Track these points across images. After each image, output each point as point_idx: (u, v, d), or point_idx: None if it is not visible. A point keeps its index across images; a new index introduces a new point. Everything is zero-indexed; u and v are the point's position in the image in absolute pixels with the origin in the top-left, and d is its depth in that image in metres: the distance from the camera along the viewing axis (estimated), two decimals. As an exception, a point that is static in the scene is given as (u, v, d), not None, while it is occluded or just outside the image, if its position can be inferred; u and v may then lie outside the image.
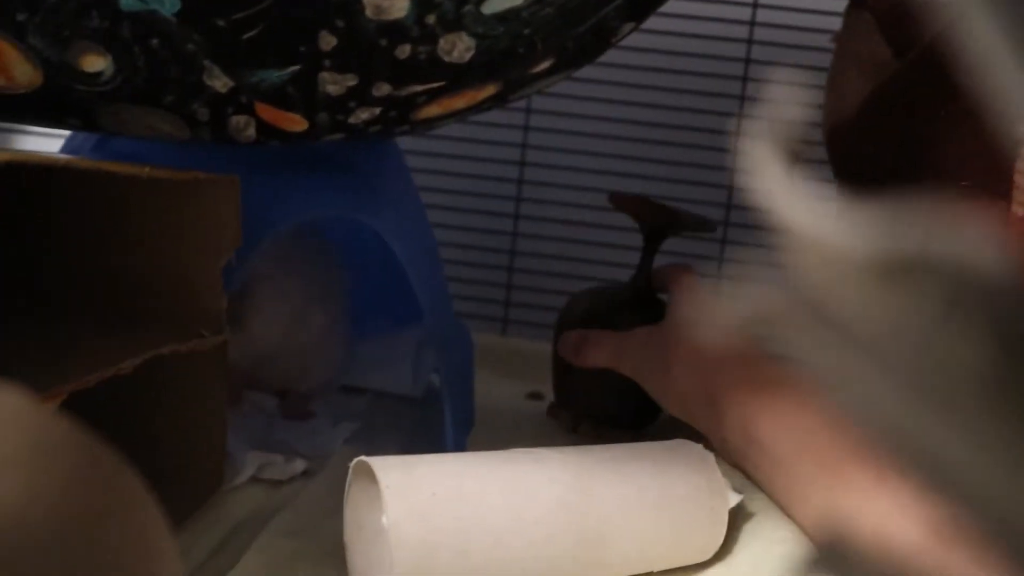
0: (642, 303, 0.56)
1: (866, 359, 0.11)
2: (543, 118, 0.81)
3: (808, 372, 0.12)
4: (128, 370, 0.33)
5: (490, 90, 0.40)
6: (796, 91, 0.13)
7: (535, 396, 0.64)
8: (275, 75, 0.34)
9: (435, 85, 0.36)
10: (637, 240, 0.57)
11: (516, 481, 0.34)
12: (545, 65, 0.39)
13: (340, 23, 0.31)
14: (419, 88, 0.36)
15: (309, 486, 0.44)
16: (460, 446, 0.49)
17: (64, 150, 0.52)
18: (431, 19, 0.31)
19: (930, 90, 0.46)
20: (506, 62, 0.37)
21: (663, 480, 0.37)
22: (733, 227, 0.81)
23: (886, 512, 0.34)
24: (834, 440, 0.39)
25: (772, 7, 0.80)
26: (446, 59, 0.34)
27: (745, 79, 0.80)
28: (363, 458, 0.34)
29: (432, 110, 0.40)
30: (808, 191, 0.12)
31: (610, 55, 0.51)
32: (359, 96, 0.36)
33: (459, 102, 0.40)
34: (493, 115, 0.76)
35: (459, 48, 0.34)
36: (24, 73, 0.35)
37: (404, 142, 0.61)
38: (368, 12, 0.31)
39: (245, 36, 0.32)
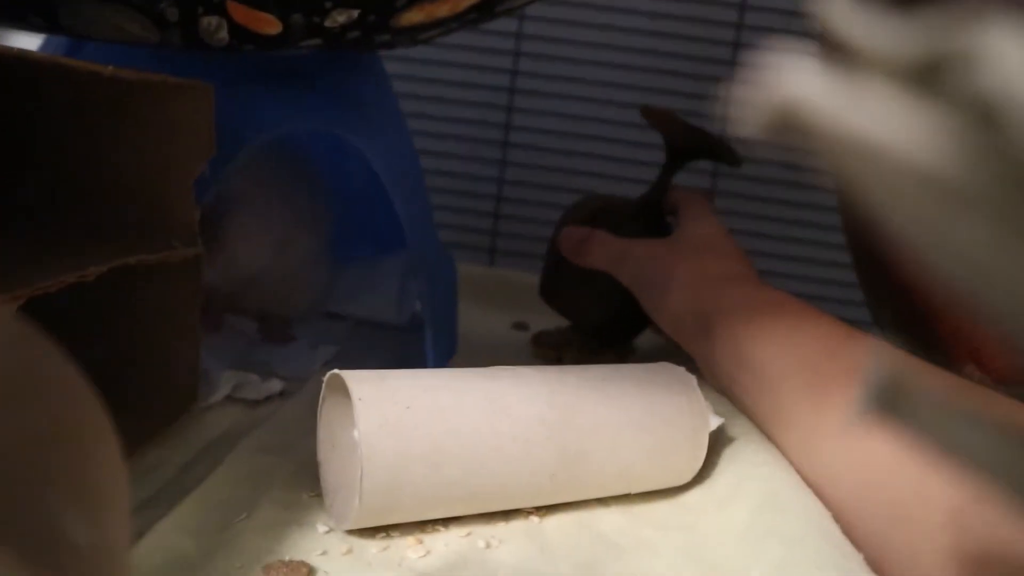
0: (650, 219, 0.55)
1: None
2: (534, 43, 0.79)
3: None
4: (91, 277, 0.32)
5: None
6: None
7: (520, 326, 0.64)
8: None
9: (414, -15, 0.35)
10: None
11: (494, 397, 0.34)
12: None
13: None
14: (397, -12, 0.35)
15: (285, 405, 0.44)
16: (442, 371, 0.49)
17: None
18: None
19: None
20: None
21: (645, 401, 0.36)
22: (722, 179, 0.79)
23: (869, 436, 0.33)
24: (824, 364, 0.38)
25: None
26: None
27: (742, 6, 0.77)
28: (336, 371, 0.33)
29: (414, 16, 0.38)
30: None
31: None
32: (334, -5, 0.34)
33: (442, 8, 0.38)
34: (482, 40, 0.74)
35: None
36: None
37: (391, 66, 0.59)
38: None
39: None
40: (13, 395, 0.13)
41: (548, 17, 0.77)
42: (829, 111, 0.10)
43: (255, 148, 0.42)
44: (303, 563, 0.30)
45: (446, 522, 0.34)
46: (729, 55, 0.77)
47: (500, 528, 0.34)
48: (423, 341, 0.49)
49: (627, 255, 0.50)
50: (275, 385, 0.46)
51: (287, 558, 0.30)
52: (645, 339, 0.59)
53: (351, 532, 0.32)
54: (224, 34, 0.37)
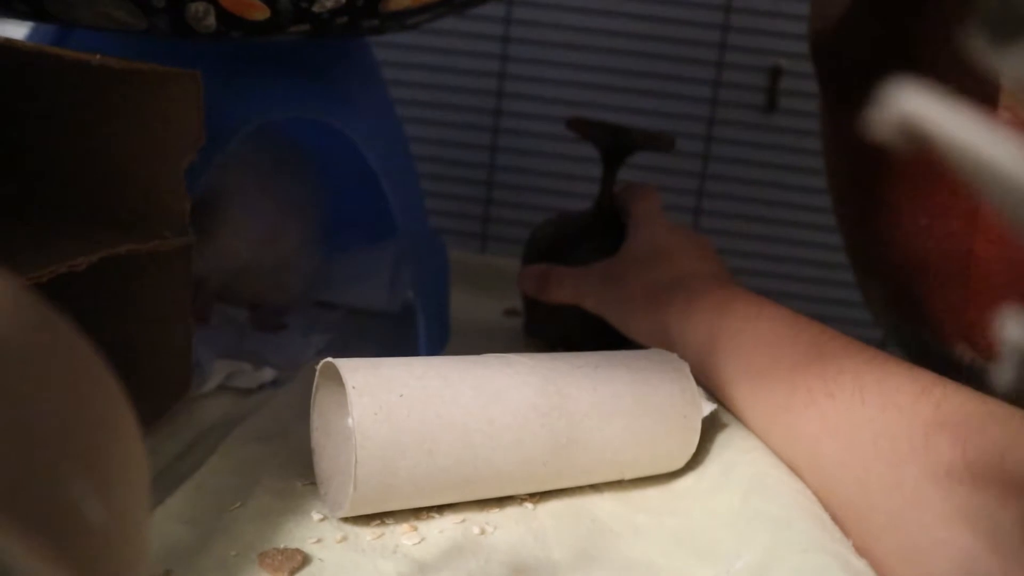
0: (605, 227, 0.55)
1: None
2: (523, 29, 0.78)
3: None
4: (82, 266, 0.32)
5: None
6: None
7: (512, 312, 0.64)
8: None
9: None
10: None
11: (487, 383, 0.34)
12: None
13: None
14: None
15: (278, 394, 0.44)
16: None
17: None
18: None
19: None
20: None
21: (637, 387, 0.36)
22: (714, 160, 0.80)
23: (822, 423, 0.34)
24: (786, 348, 0.38)
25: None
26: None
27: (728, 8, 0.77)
28: (330, 359, 0.33)
29: (401, 1, 0.38)
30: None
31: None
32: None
33: (431, -4, 0.38)
34: (471, 25, 0.74)
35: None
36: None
37: (380, 54, 0.58)
38: None
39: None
40: (30, 370, 0.13)
41: (537, 2, 0.77)
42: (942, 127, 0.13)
43: (244, 137, 0.42)
44: (298, 551, 0.30)
45: (440, 509, 0.34)
46: (717, 38, 0.77)
47: (494, 514, 0.34)
48: (415, 329, 0.49)
49: (584, 285, 0.50)
50: (267, 374, 0.46)
51: (282, 546, 0.31)
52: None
53: (345, 520, 0.33)
54: (212, 20, 0.37)
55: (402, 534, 0.32)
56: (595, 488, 0.37)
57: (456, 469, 0.32)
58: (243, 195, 0.52)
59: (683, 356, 0.40)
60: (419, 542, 0.32)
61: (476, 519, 0.34)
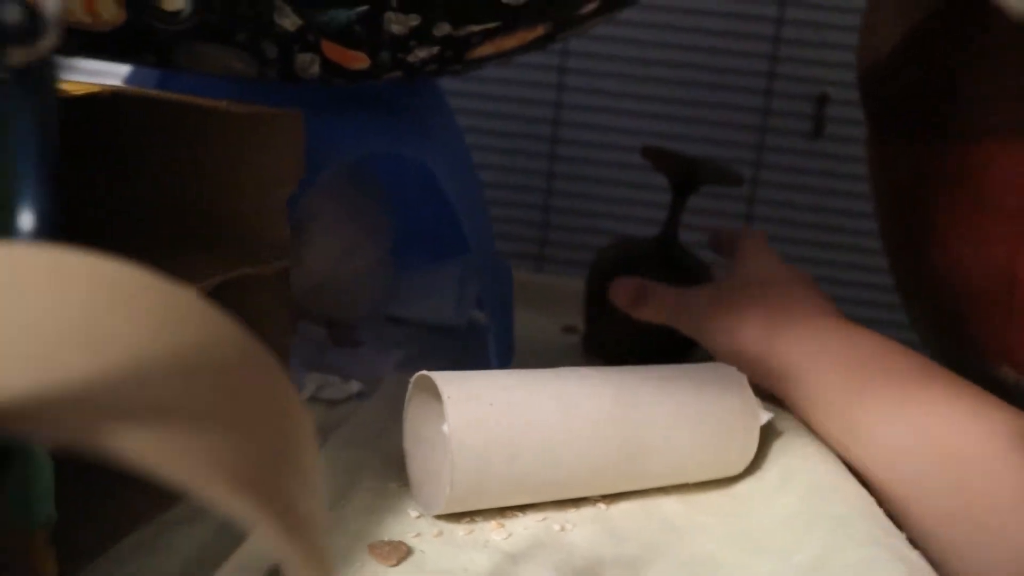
0: (671, 255, 0.58)
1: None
2: (578, 60, 0.82)
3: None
4: (206, 290, 0.36)
5: (540, 31, 0.42)
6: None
7: (570, 329, 0.67)
8: (344, 15, 0.36)
9: (491, 25, 0.39)
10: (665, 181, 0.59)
11: (565, 394, 0.37)
12: (593, 6, 0.41)
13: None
14: (476, 28, 0.38)
15: (365, 404, 0.48)
16: (503, 372, 0.53)
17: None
18: (494, -39, 0.33)
19: (967, 28, 0.47)
20: (558, 3, 0.39)
21: (700, 398, 0.40)
22: (762, 186, 0.83)
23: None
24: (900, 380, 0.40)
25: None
26: (504, 0, 0.36)
27: (777, 39, 0.80)
28: (424, 372, 0.37)
29: (485, 50, 0.42)
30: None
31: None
32: (420, 35, 0.38)
33: (511, 42, 0.42)
34: (530, 56, 0.78)
35: (518, -11, 0.36)
36: (109, 11, 0.37)
37: (443, 81, 0.63)
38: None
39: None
40: (246, 378, 0.17)
41: (592, 35, 0.81)
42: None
43: (337, 169, 0.46)
44: (402, 543, 0.34)
45: (523, 508, 0.38)
46: (763, 85, 0.80)
47: (572, 514, 0.38)
48: (481, 343, 0.53)
49: (685, 306, 0.51)
50: (354, 386, 0.50)
51: (386, 538, 0.34)
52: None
53: (439, 517, 0.36)
54: (316, 69, 0.41)
55: (491, 530, 0.36)
56: (662, 490, 0.40)
57: (539, 472, 0.36)
58: (322, 216, 0.56)
59: (805, 385, 0.43)
60: (507, 537, 0.35)
61: (556, 517, 0.37)
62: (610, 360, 0.59)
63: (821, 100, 0.80)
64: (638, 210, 0.80)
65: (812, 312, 0.46)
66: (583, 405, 0.37)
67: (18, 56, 0.14)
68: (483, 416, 0.35)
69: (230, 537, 0.33)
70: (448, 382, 0.36)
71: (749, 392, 0.41)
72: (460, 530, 0.36)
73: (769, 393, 0.47)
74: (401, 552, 0.33)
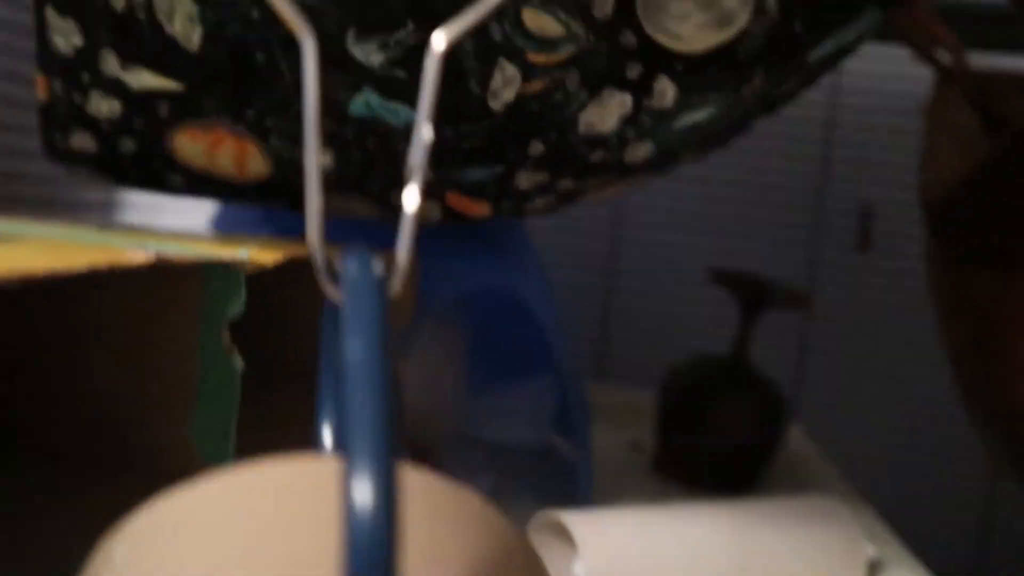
0: (744, 376, 0.60)
1: None
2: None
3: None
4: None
5: (642, 178, 0.45)
6: None
7: (637, 448, 0.68)
8: (479, 174, 0.39)
9: (607, 179, 0.41)
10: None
11: (685, 533, 0.39)
12: (691, 156, 0.44)
13: (553, 135, 0.36)
14: (594, 181, 0.41)
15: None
16: (589, 497, 0.54)
17: (218, 224, 0.57)
18: (630, 132, 0.36)
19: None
20: (667, 159, 0.42)
21: (810, 534, 0.41)
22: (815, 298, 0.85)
23: None
24: None
25: (855, 74, 0.85)
26: (626, 161, 0.39)
27: (827, 158, 0.84)
28: (550, 512, 0.38)
29: (591, 196, 0.45)
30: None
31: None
32: (544, 189, 0.40)
33: (616, 190, 0.45)
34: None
35: (641, 152, 0.38)
36: (256, 168, 0.40)
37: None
38: (581, 128, 0.35)
39: (465, 145, 0.37)
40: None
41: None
42: None
43: (442, 306, 0.49)
44: None
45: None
46: (813, 183, 0.83)
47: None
48: (559, 462, 0.54)
49: None
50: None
51: None
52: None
53: (567, 656, 0.37)
54: (437, 214, 0.43)
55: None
56: (776, 627, 0.41)
57: (666, 611, 0.37)
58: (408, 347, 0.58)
59: None
60: None
61: (681, 657, 0.38)
62: (684, 481, 0.60)
63: (868, 213, 0.83)
64: (694, 321, 0.82)
65: None
66: (702, 541, 0.39)
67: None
68: (614, 556, 0.36)
69: None
70: (578, 523, 0.37)
71: (855, 524, 0.42)
72: (591, 671, 0.36)
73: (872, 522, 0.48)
74: None
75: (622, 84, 0.34)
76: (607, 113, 0.35)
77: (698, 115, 0.36)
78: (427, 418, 0.61)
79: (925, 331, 0.84)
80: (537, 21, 0.31)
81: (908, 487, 0.85)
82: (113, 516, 0.28)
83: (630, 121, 0.35)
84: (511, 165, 0.38)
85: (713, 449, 0.56)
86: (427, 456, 0.60)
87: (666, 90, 0.34)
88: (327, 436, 0.19)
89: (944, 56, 0.61)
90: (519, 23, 0.32)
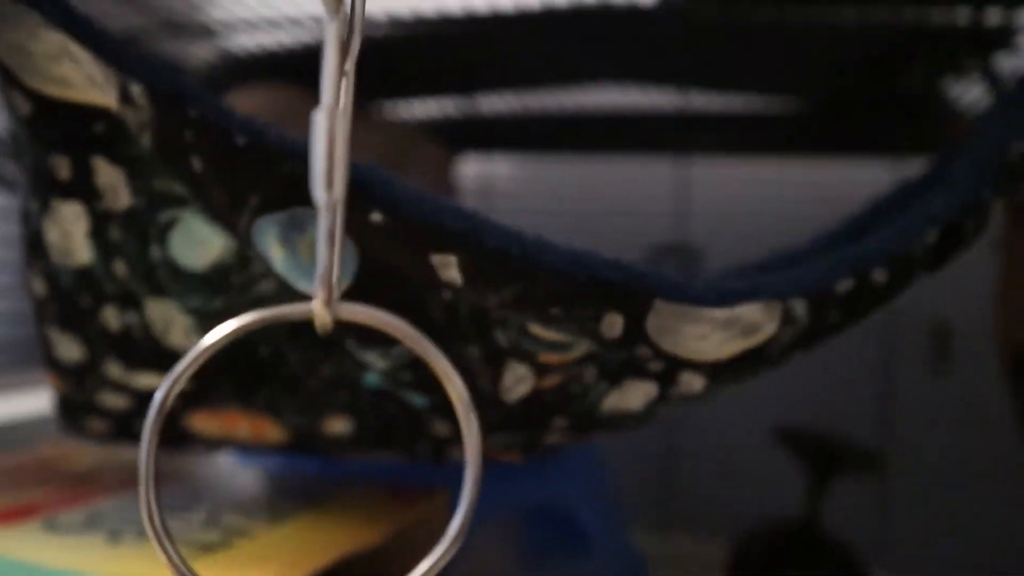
0: (818, 545, 0.56)
1: None
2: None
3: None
4: None
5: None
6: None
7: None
8: (503, 439, 0.37)
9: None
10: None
11: None
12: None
13: (576, 414, 0.33)
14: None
15: None
16: None
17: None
18: (660, 408, 0.33)
19: None
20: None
21: None
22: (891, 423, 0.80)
23: None
24: None
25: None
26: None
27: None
28: None
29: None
30: None
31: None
32: (562, 435, 0.38)
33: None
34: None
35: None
36: (275, 436, 0.39)
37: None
38: (604, 409, 0.33)
39: (483, 422, 0.34)
40: None
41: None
42: None
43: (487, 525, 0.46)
44: None
45: None
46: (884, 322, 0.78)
47: None
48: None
49: None
50: None
51: None
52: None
53: None
54: (462, 456, 0.41)
55: None
56: None
57: None
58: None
59: None
60: None
61: None
62: None
63: (945, 333, 0.78)
64: (760, 473, 0.78)
65: None
66: None
67: None
68: None
69: None
70: None
71: None
72: None
73: None
74: None
75: (644, 375, 0.31)
76: (631, 398, 0.32)
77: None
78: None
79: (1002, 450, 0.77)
80: (544, 332, 0.29)
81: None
82: None
83: (659, 401, 0.32)
84: (536, 433, 0.36)
85: None
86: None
87: (693, 382, 0.31)
88: None
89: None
90: (525, 331, 0.29)
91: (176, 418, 0.37)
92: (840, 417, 0.77)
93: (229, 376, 0.35)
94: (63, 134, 0.26)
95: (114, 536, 0.32)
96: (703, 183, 0.85)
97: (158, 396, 0.15)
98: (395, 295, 0.28)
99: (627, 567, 0.56)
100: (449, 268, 0.26)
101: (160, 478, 0.43)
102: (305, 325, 0.32)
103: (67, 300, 0.31)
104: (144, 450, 0.16)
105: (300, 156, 0.24)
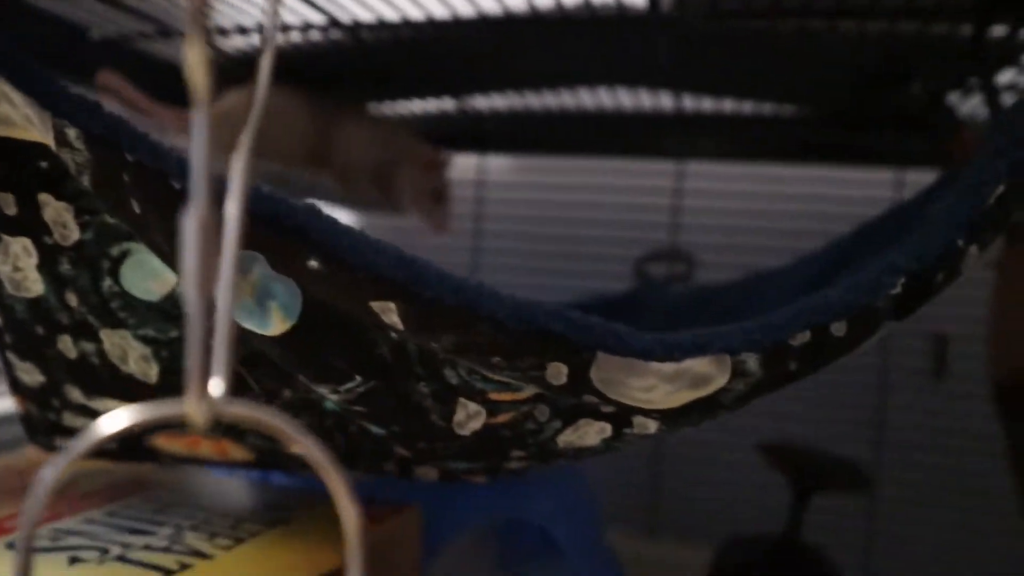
0: (795, 556, 0.56)
1: None
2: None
3: None
4: None
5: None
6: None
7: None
8: (465, 466, 0.36)
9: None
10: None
11: None
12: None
13: (532, 448, 0.33)
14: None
15: None
16: None
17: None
18: (617, 445, 0.33)
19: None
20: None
21: None
22: (888, 429, 0.79)
23: None
24: None
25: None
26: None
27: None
28: None
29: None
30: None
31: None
32: (523, 462, 0.38)
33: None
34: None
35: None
36: (239, 455, 0.39)
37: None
38: (560, 445, 0.33)
39: (441, 453, 0.34)
40: None
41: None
42: None
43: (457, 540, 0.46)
44: None
45: None
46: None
47: None
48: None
49: None
50: None
51: None
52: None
53: None
54: (435, 476, 0.41)
55: None
56: None
57: None
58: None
59: None
60: None
61: None
62: None
63: (943, 341, 0.76)
64: (745, 479, 0.77)
65: None
66: None
67: None
68: None
69: None
70: None
71: None
72: None
73: None
74: None
75: (598, 416, 0.31)
76: (587, 436, 0.32)
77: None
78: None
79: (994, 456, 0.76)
80: (491, 374, 0.29)
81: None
82: None
83: (616, 439, 0.32)
84: (496, 461, 0.36)
85: None
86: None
87: (647, 424, 0.30)
88: None
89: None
90: (474, 370, 0.29)
91: (140, 440, 0.37)
92: (835, 429, 0.76)
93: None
94: (8, 171, 0.26)
95: (74, 559, 0.33)
96: (697, 186, 0.84)
97: (48, 475, 0.15)
98: (342, 333, 0.28)
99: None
100: (390, 314, 0.25)
101: (132, 486, 0.43)
102: (263, 354, 0.32)
103: (22, 330, 0.31)
104: (21, 547, 0.16)
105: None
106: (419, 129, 0.74)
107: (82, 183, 0.25)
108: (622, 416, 0.30)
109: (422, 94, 0.67)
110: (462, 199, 0.87)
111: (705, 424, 0.30)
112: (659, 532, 0.82)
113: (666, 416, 0.29)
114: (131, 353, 0.32)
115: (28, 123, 0.25)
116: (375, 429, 0.34)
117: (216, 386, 0.14)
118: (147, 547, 0.34)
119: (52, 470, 0.16)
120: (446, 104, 0.70)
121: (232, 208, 0.14)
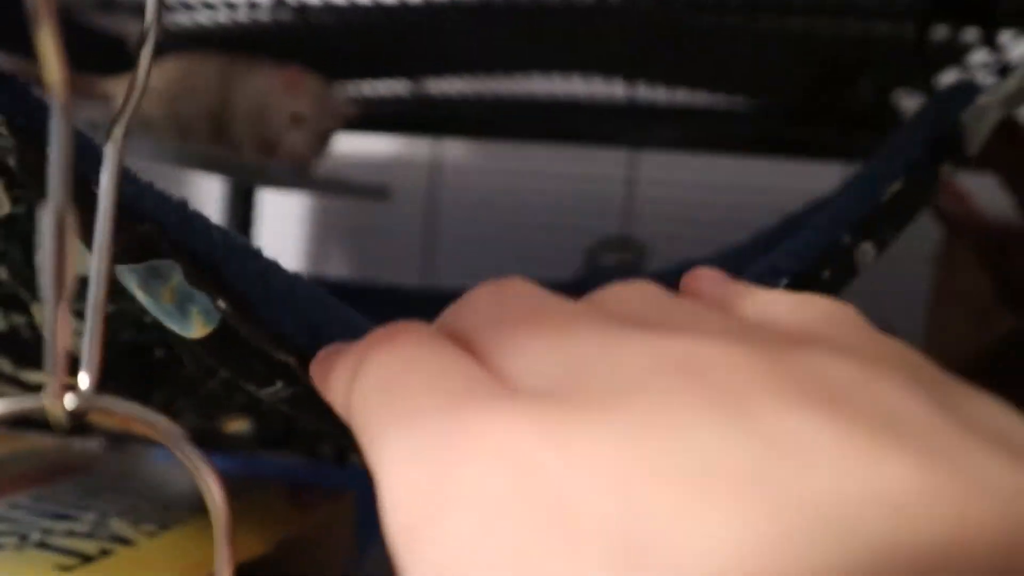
0: None
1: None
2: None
3: None
4: None
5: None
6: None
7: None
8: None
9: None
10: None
11: None
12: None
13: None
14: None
15: None
16: None
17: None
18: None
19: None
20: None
21: None
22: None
23: None
24: None
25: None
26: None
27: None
28: None
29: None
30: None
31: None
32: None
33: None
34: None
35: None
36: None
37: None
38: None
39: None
40: None
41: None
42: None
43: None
44: None
45: None
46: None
47: None
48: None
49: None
50: None
51: None
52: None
53: None
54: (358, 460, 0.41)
55: None
56: None
57: None
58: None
59: None
60: None
61: None
62: None
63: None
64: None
65: None
66: None
67: None
68: None
69: None
70: None
71: None
72: None
73: None
74: None
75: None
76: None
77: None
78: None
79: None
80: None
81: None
82: None
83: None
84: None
85: None
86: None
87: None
88: None
89: (951, 204, 0.55)
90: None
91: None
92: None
93: (123, 378, 0.35)
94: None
95: (-7, 542, 0.32)
96: (651, 176, 0.85)
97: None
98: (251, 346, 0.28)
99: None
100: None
101: (63, 469, 0.42)
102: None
103: (-49, 300, 0.30)
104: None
105: (155, 220, 0.24)
106: (373, 111, 0.73)
107: (9, 162, 0.25)
108: None
109: (373, 75, 0.67)
110: (416, 183, 0.87)
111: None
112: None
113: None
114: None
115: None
116: (305, 421, 0.34)
117: (84, 380, 0.14)
118: (70, 532, 0.34)
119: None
120: (399, 87, 0.70)
121: (104, 202, 0.14)
